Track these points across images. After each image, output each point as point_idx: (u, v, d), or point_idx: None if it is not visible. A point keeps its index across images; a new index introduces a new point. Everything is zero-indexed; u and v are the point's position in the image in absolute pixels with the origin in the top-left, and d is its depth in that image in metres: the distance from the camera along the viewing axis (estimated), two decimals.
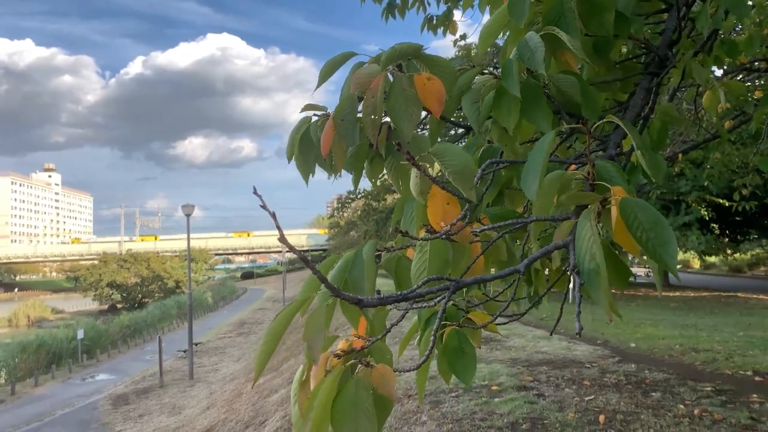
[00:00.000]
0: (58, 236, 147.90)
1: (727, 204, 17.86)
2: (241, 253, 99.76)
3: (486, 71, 1.37)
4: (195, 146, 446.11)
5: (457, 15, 5.03)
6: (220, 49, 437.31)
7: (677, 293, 21.97)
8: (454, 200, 1.11)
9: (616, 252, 1.00)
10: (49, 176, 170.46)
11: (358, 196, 39.99)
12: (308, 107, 1.39)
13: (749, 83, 4.85)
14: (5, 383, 23.05)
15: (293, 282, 48.47)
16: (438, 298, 1.02)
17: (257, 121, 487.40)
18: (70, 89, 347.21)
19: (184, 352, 21.85)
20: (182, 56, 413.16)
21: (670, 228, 0.87)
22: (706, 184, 18.01)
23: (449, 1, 4.98)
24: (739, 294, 21.34)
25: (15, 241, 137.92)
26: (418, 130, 1.49)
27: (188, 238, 21.71)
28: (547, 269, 1.76)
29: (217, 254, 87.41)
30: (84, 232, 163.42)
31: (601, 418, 4.75)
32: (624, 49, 2.17)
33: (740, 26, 3.61)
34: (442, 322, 1.11)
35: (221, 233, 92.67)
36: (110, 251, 68.72)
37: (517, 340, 9.13)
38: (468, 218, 1.11)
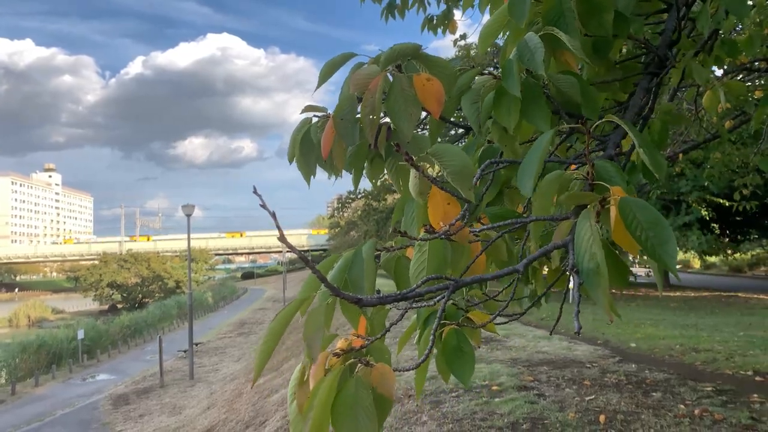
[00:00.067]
0: (58, 236, 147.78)
1: (727, 204, 17.87)
2: (242, 253, 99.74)
3: (486, 71, 1.38)
4: (195, 146, 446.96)
5: (457, 15, 5.04)
6: (220, 49, 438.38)
7: (677, 293, 21.96)
8: (454, 200, 1.11)
9: (616, 252, 1.00)
10: (50, 176, 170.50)
11: (359, 196, 40.04)
12: (308, 108, 1.40)
13: (749, 83, 4.86)
14: (6, 383, 23.08)
15: (294, 282, 48.45)
16: (437, 298, 1.02)
17: (257, 121, 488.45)
18: (70, 89, 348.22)
19: (185, 352, 21.86)
20: (182, 56, 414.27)
21: (670, 227, 0.87)
22: (706, 184, 17.99)
23: (449, 1, 4.98)
24: (739, 294, 21.31)
25: (15, 241, 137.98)
26: (418, 130, 1.49)
27: (188, 238, 21.79)
28: (546, 269, 1.76)
29: (217, 254, 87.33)
30: (84, 232, 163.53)
31: (602, 418, 4.76)
32: (624, 49, 2.18)
33: (740, 26, 3.61)
34: (441, 321, 1.11)
35: (215, 233, 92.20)
36: (110, 251, 68.76)
37: (518, 340, 9.13)
38: (467, 218, 1.11)
